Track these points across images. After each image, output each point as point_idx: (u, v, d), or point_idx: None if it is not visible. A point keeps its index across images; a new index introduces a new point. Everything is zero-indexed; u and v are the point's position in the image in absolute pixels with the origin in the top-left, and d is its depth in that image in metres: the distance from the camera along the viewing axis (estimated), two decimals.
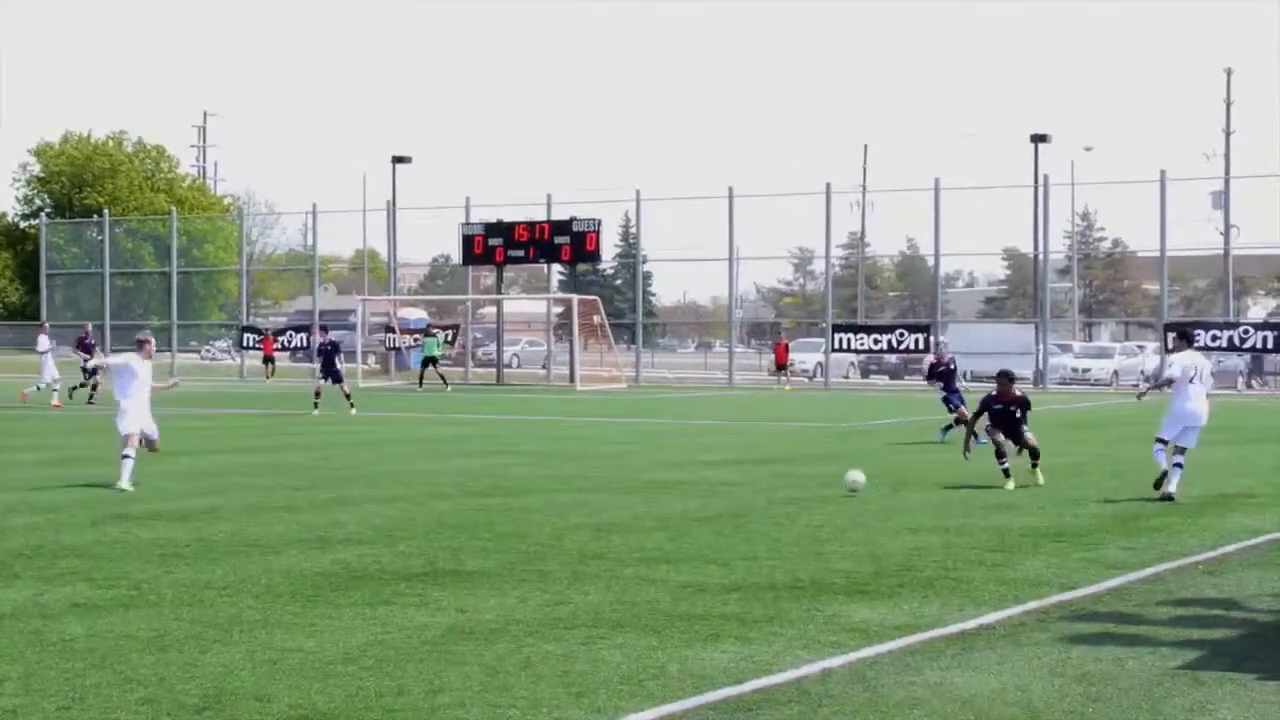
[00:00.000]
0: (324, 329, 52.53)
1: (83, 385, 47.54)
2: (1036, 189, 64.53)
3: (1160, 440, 21.59)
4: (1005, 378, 23.84)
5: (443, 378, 61.29)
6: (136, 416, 22.51)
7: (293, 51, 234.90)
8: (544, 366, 73.74)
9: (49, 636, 11.42)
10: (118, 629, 11.68)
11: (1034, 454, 23.12)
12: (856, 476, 21.57)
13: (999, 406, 23.47)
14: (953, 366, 33.34)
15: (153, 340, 24.04)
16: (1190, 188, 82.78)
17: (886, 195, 78.78)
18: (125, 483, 21.71)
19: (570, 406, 47.93)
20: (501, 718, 9.21)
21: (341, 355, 45.14)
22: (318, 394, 42.97)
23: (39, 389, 46.84)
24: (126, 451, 22.12)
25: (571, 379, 63.79)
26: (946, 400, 32.39)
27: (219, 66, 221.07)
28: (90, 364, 21.53)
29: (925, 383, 35.42)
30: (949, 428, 31.79)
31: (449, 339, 70.16)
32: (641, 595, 13.20)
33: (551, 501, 20.38)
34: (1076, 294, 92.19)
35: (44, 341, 47.92)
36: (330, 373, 43.14)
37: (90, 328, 51.45)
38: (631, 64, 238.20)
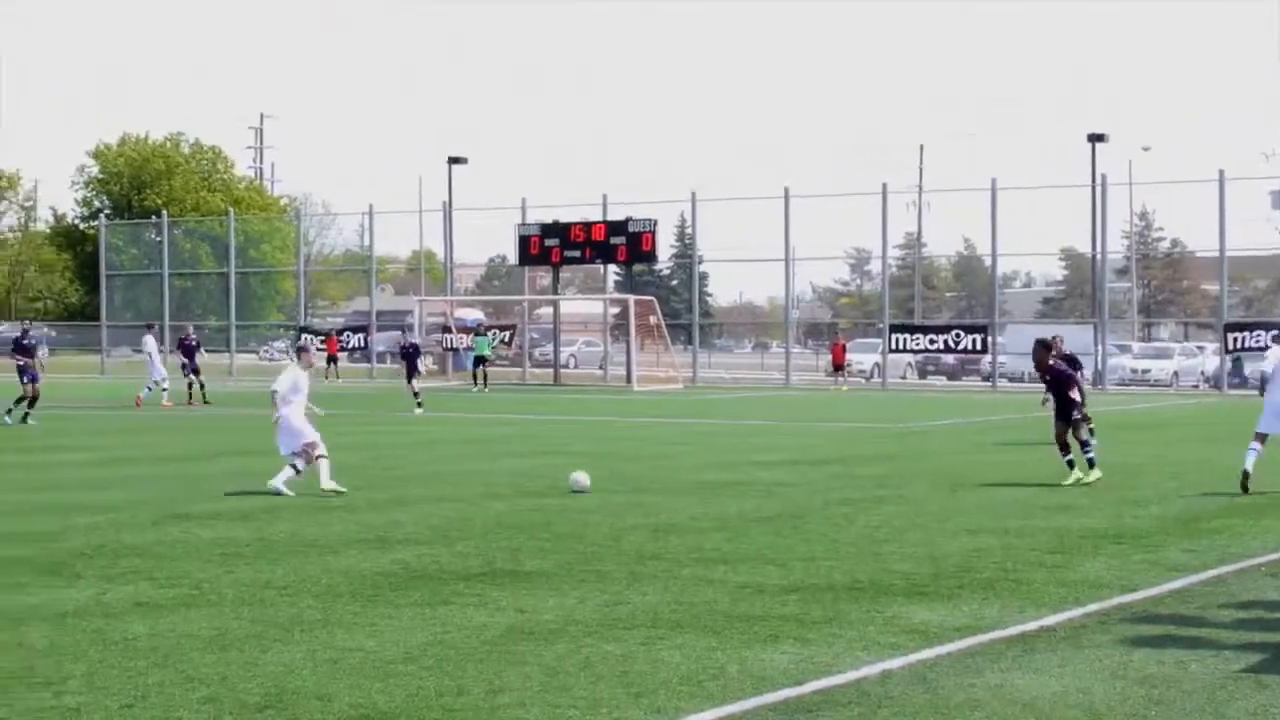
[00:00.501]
0: (406, 329, 52.97)
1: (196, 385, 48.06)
2: (1094, 189, 64.21)
3: (1259, 437, 21.51)
4: (1039, 344, 24.00)
5: (485, 378, 61.08)
6: (296, 430, 21.87)
7: (349, 53, 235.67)
8: (600, 367, 73.73)
9: (112, 635, 11.50)
10: (179, 628, 11.75)
11: (1069, 443, 23.09)
12: (579, 478, 21.67)
13: (1045, 379, 23.91)
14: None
15: (312, 348, 24.01)
16: (1249, 187, 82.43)
17: (943, 195, 78.65)
18: (279, 482, 21.29)
19: (626, 407, 47.94)
20: (561, 718, 9.22)
21: (422, 357, 46.90)
22: (416, 393, 44.43)
23: (149, 390, 47.40)
24: (296, 463, 21.71)
25: (628, 379, 63.81)
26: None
27: (276, 68, 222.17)
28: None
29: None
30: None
31: (505, 339, 70.25)
32: (700, 596, 13.19)
33: (609, 502, 20.38)
34: (1135, 294, 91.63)
35: (150, 342, 48.29)
36: (414, 373, 45.31)
37: (192, 330, 51.40)
38: (688, 65, 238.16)
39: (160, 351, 49.01)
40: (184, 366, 48.03)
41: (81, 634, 11.56)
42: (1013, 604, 12.89)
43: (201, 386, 47.94)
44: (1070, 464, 22.90)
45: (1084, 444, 23.20)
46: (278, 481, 21.28)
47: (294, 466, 21.61)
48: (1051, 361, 23.84)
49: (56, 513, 19.08)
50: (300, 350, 23.42)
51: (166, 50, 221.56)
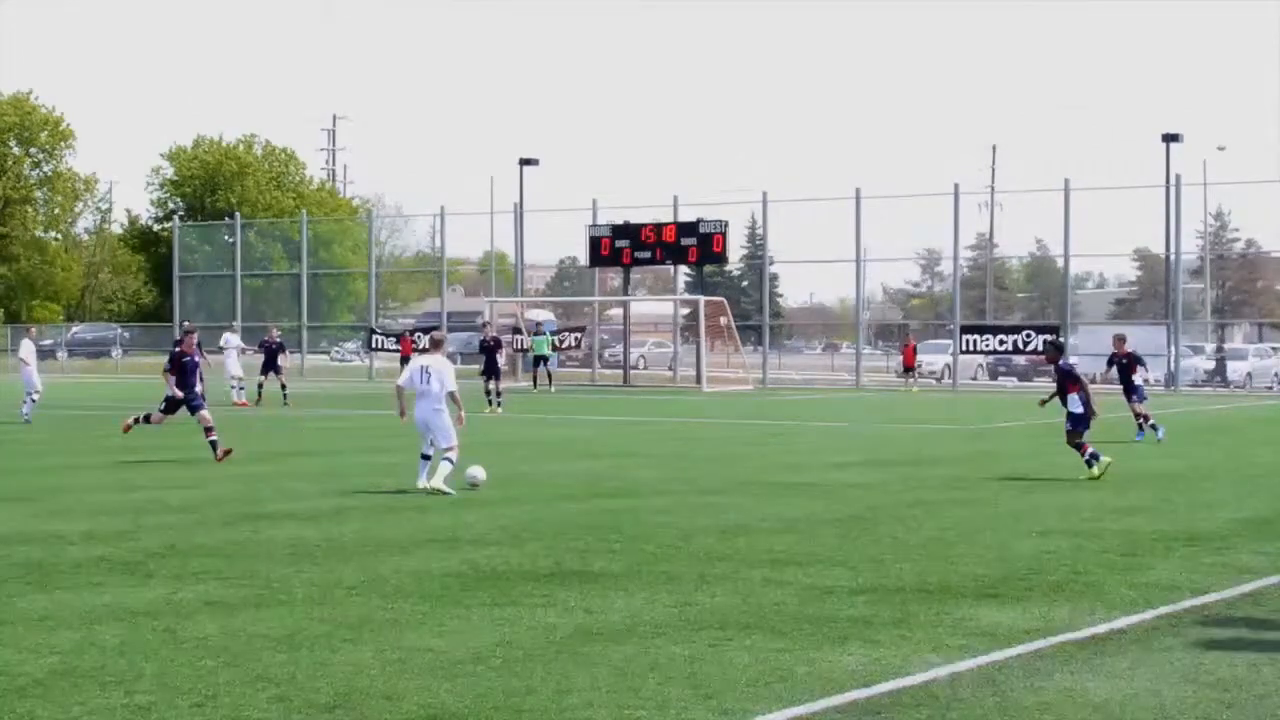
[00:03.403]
0: (485, 325, 52.19)
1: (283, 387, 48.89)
2: (1168, 189, 63.76)
3: None
4: (1049, 344, 25.66)
5: (549, 378, 60.80)
6: (419, 425, 22.13)
7: (421, 54, 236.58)
8: (670, 368, 73.71)
9: (182, 635, 11.58)
10: (249, 628, 11.82)
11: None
12: (475, 472, 21.80)
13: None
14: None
15: (444, 339, 24.13)
16: None
17: (1015, 195, 78.14)
18: (440, 482, 21.42)
19: (696, 408, 47.92)
20: (629, 718, 9.23)
21: (503, 353, 45.93)
22: (488, 392, 43.62)
23: (242, 389, 48.55)
24: (446, 455, 21.86)
25: (698, 380, 63.77)
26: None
27: (348, 70, 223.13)
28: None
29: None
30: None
31: (575, 340, 70.22)
32: (768, 597, 13.17)
33: (678, 503, 20.38)
34: (1209, 295, 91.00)
35: (231, 339, 48.96)
36: (492, 370, 44.13)
37: (276, 331, 51.88)
38: (760, 66, 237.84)
39: (238, 349, 49.68)
40: (267, 370, 48.75)
41: (152, 633, 11.64)
42: (1083, 606, 12.82)
43: (283, 388, 48.47)
44: (1091, 460, 23.67)
45: (1080, 447, 24.05)
46: (437, 481, 21.47)
47: (448, 459, 21.80)
48: (1061, 362, 24.89)
49: (131, 512, 19.23)
50: (436, 342, 23.17)
51: (240, 52, 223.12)
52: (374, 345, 76.06)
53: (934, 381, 69.81)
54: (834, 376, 75.91)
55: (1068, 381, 24.54)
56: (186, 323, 48.31)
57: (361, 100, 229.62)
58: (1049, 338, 25.80)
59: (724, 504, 20.35)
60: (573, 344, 70.81)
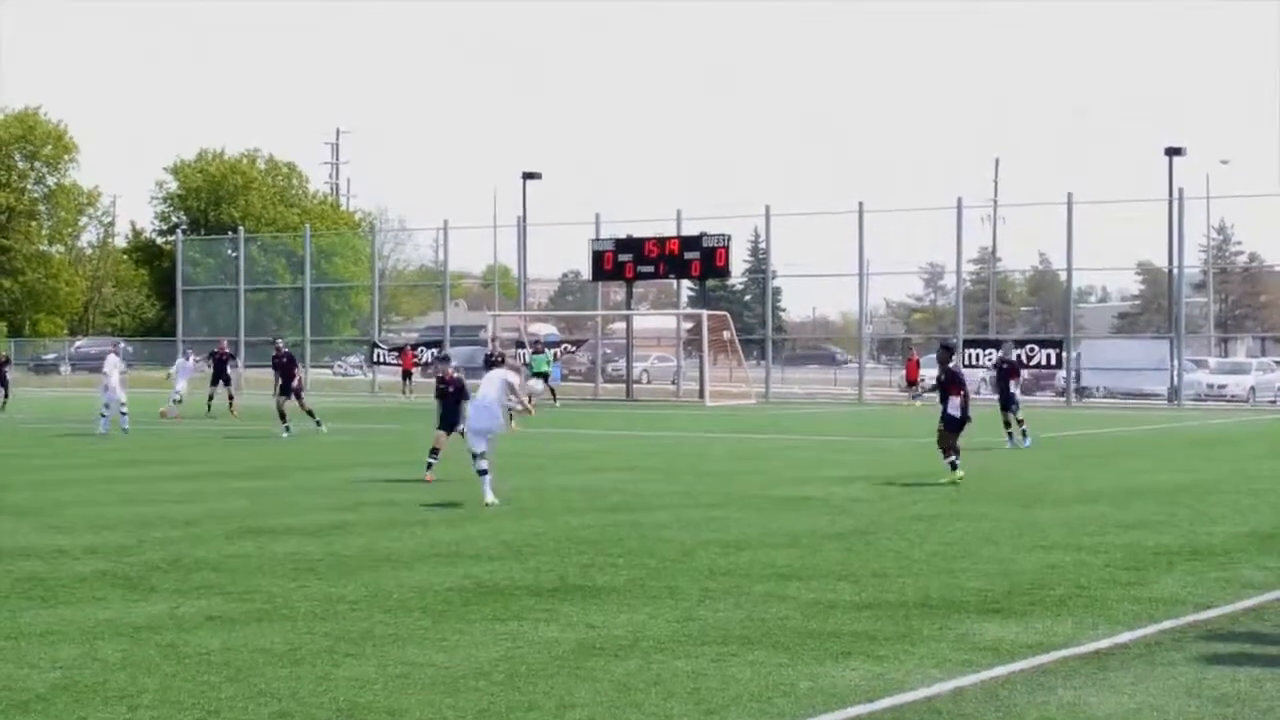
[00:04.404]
0: (493, 339, 51.90)
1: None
2: (1171, 203, 63.74)
3: None
4: (942, 347, 27.52)
5: (552, 393, 60.26)
6: (475, 430, 22.42)
7: (423, 68, 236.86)
8: (673, 382, 73.72)
9: (184, 649, 11.57)
10: (252, 642, 11.82)
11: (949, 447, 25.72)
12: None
13: (939, 380, 26.84)
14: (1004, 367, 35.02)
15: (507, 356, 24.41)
16: None
17: (1018, 209, 78.06)
18: (489, 495, 21.83)
19: (699, 422, 47.89)
20: None
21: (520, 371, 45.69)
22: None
23: (179, 401, 48.33)
24: (479, 466, 22.18)
25: (701, 395, 63.73)
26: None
27: (351, 84, 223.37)
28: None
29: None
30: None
31: (572, 349, 70.16)
32: (771, 612, 13.16)
33: (681, 517, 20.37)
34: (1212, 309, 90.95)
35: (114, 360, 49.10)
36: None
37: (226, 343, 52.53)
38: (760, 79, 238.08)
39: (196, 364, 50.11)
40: (214, 378, 49.58)
41: (154, 648, 11.63)
42: (1086, 621, 12.81)
43: (230, 399, 48.89)
44: (951, 466, 25.00)
45: (952, 452, 25.54)
46: (487, 495, 21.81)
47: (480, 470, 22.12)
48: (952, 365, 26.51)
49: (133, 526, 19.25)
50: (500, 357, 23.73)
51: (243, 66, 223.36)
52: (376, 359, 76.08)
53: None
54: (837, 391, 75.83)
55: (952, 385, 25.93)
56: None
57: (364, 114, 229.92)
58: (944, 339, 27.21)
59: (727, 518, 20.33)
60: (570, 350, 70.80)
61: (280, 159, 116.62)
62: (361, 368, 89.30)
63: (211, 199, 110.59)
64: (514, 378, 23.12)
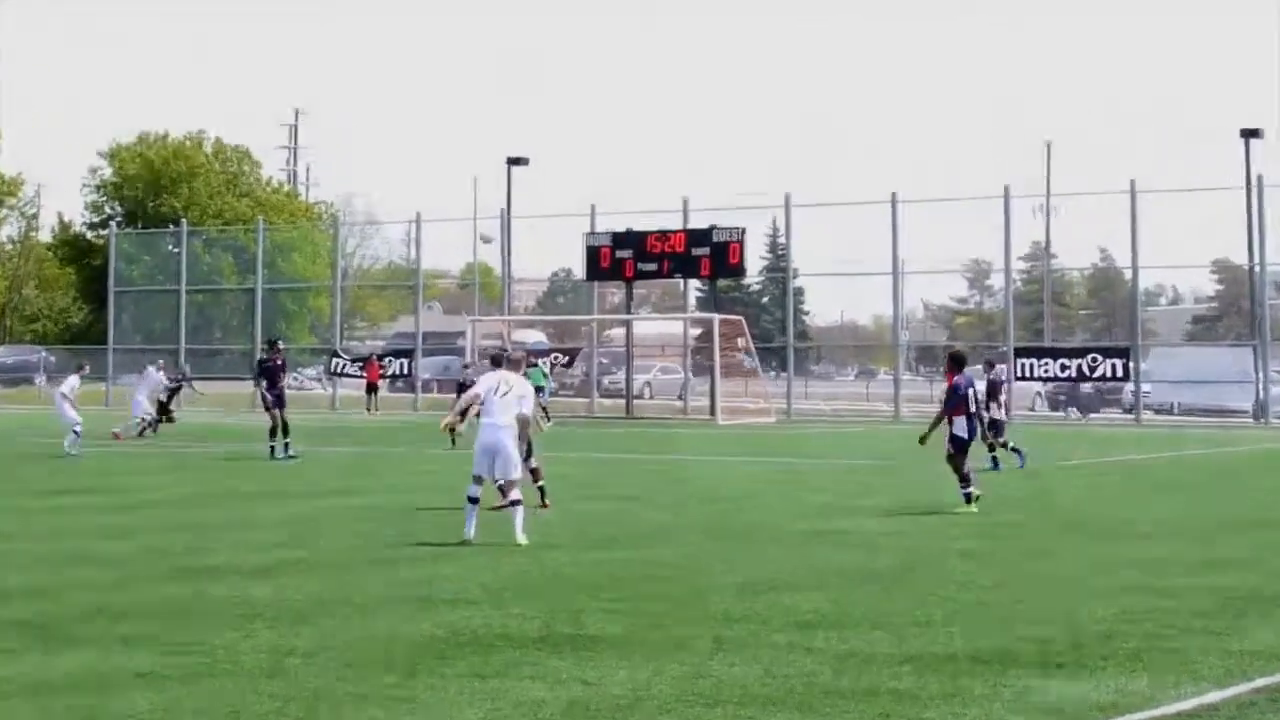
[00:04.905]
0: (476, 354, 52.03)
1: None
2: (1249, 191, 63.77)
3: None
4: (949, 357, 27.81)
5: (544, 411, 60.52)
6: (482, 448, 21.70)
7: (395, 40, 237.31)
8: (680, 397, 73.89)
9: (107, 712, 11.43)
10: (188, 703, 11.70)
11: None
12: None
13: None
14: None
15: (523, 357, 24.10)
16: None
17: (1075, 199, 77.70)
18: (521, 533, 21.20)
19: (711, 444, 47.91)
20: None
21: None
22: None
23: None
24: (469, 492, 21.73)
25: (712, 412, 63.89)
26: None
27: (311, 58, 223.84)
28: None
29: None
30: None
31: (565, 361, 70.15)
32: (796, 667, 13.05)
33: (689, 554, 20.32)
34: None
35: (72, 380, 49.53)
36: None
37: (189, 368, 54.20)
38: (778, 55, 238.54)
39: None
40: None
41: (73, 713, 11.48)
42: (1166, 678, 12.68)
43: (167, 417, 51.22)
44: (966, 497, 25.33)
45: (964, 479, 25.69)
46: (521, 532, 21.24)
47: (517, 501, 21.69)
48: (959, 379, 26.43)
49: (53, 565, 19.19)
50: (513, 360, 23.07)
51: (189, 38, 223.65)
52: (337, 370, 76.12)
53: (984, 413, 69.73)
54: (869, 407, 75.99)
55: (959, 404, 26.12)
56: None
57: (327, 93, 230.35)
58: (953, 349, 27.35)
59: (743, 555, 20.29)
60: (564, 363, 70.84)
61: (230, 143, 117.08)
62: (320, 380, 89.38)
63: (151, 188, 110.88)
64: (527, 405, 22.00)
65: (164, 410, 51.53)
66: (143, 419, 49.17)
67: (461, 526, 21.48)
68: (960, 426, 25.97)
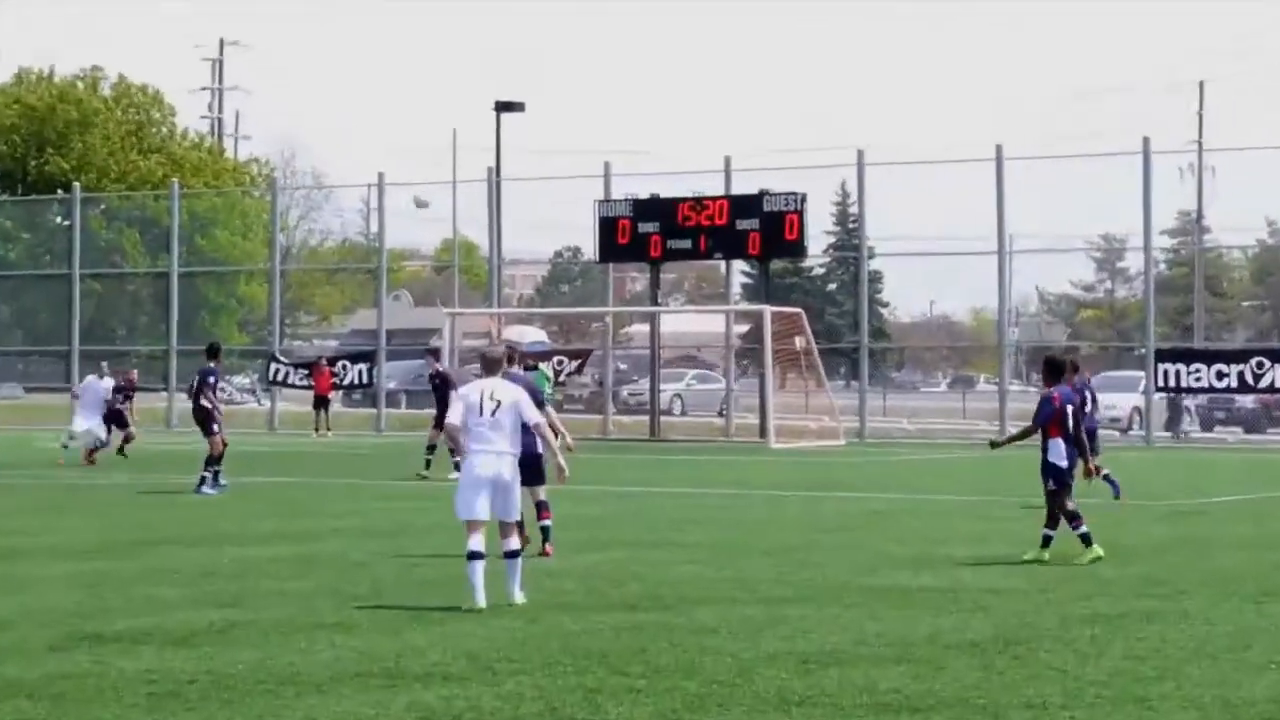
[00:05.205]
0: (434, 352, 51.52)
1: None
2: None
3: None
4: (1049, 365, 27.38)
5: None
6: (473, 483, 21.04)
7: None
8: (720, 413, 73.85)
9: None
10: None
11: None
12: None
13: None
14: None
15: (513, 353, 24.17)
16: None
17: (1234, 156, 77.00)
18: (518, 592, 21.18)
19: (759, 473, 47.90)
20: None
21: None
22: (431, 448, 43.24)
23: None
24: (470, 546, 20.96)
25: (762, 433, 63.83)
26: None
27: None
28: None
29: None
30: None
31: (574, 369, 70.27)
32: None
33: (734, 618, 20.32)
34: None
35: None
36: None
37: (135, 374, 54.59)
38: None
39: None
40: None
41: None
42: None
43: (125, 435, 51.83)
44: (1084, 538, 25.53)
45: (1072, 517, 25.81)
46: (476, 597, 20.78)
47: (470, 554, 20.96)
48: (1057, 389, 26.38)
49: None
50: (507, 358, 22.97)
51: None
52: (276, 378, 75.89)
53: (1116, 434, 69.61)
54: (966, 425, 75.82)
55: (1050, 421, 25.98)
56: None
57: (262, 21, 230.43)
58: (1051, 353, 26.99)
59: (802, 618, 20.31)
60: (573, 371, 70.90)
61: (136, 82, 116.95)
62: (254, 392, 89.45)
63: (32, 142, 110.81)
64: (530, 410, 21.37)
65: (120, 422, 51.53)
66: (98, 440, 49.51)
67: (464, 592, 20.88)
68: (1056, 452, 25.52)
